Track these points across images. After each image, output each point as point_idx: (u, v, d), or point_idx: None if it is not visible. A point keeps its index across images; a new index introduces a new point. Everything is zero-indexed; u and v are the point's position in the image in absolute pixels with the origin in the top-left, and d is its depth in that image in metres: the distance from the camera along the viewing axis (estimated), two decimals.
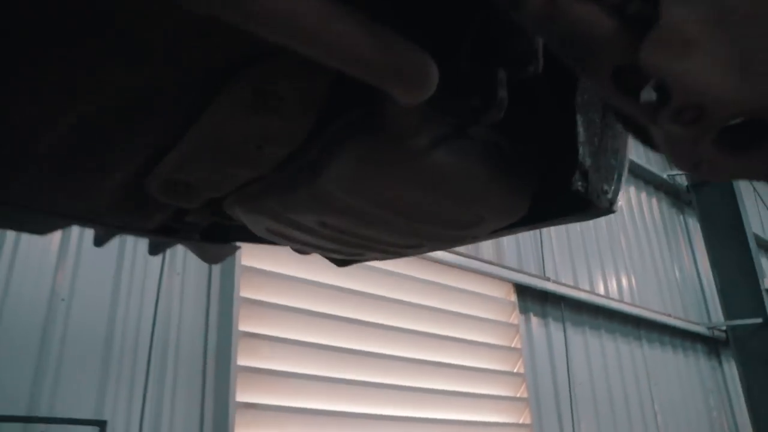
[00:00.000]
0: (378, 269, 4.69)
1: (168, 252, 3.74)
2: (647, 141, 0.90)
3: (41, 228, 1.52)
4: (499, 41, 1.09)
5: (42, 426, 3.01)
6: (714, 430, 7.34)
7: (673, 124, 0.73)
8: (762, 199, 9.42)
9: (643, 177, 8.06)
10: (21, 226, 1.72)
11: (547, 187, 1.33)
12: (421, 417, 4.61)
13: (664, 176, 8.33)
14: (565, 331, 6.04)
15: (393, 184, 1.15)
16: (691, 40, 0.63)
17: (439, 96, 1.12)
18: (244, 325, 3.87)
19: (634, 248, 7.46)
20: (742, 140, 0.73)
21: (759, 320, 7.08)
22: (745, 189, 8.41)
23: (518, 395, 5.45)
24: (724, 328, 7.63)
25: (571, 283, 6.31)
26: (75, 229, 3.40)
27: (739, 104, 0.66)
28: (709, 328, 7.74)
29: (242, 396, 3.70)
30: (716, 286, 7.58)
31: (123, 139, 1.09)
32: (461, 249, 5.35)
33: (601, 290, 6.69)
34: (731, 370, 7.72)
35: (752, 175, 0.80)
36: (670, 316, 7.29)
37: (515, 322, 5.68)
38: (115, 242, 3.55)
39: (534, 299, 5.93)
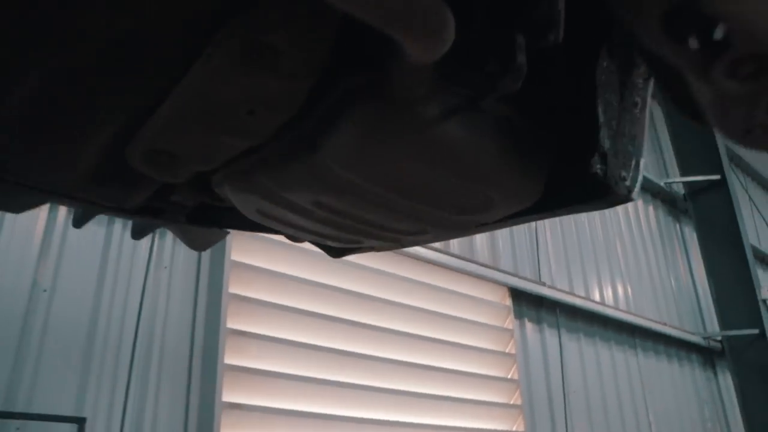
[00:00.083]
0: (371, 269, 4.59)
1: (155, 245, 3.62)
2: (686, 106, 0.80)
3: (13, 204, 1.41)
4: (518, 4, 0.99)
5: (18, 422, 2.88)
6: None
7: (728, 79, 0.63)
8: (759, 211, 9.38)
9: None
10: None
11: (561, 172, 1.24)
12: (413, 422, 4.51)
13: (661, 184, 8.27)
14: (560, 338, 5.95)
15: (398, 159, 1.05)
16: None
17: (451, 63, 1.02)
18: (233, 323, 3.75)
19: (630, 255, 7.39)
20: None
21: (755, 331, 7.01)
22: (742, 200, 8.37)
23: (512, 402, 5.35)
24: (719, 338, 7.55)
25: (567, 289, 6.22)
26: (60, 217, 3.29)
27: None
28: (704, 338, 7.67)
29: (228, 396, 3.59)
30: (712, 296, 7.50)
31: (100, 98, 0.98)
32: (456, 250, 5.26)
33: (597, 297, 6.61)
34: (726, 380, 7.65)
35: None
36: (665, 324, 7.21)
37: (510, 326, 5.58)
38: (101, 233, 3.44)
39: (529, 304, 5.84)
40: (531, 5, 0.99)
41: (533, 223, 6.21)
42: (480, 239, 5.57)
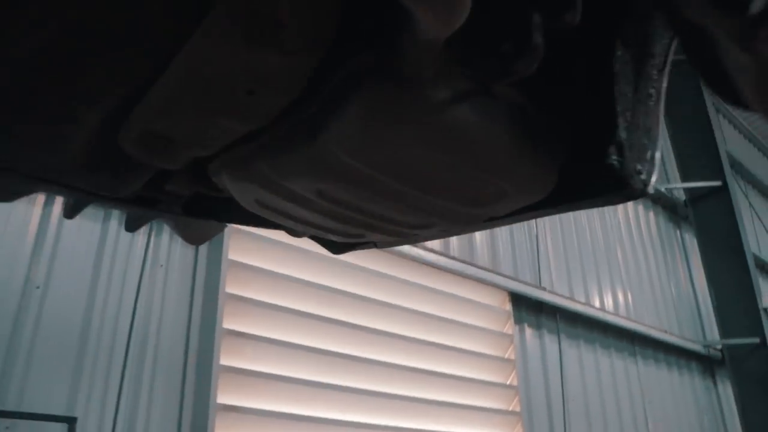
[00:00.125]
0: (370, 270, 4.54)
1: (151, 242, 3.56)
2: (721, 85, 0.75)
3: (2, 192, 1.35)
4: None
5: (8, 421, 2.81)
6: None
7: None
8: (760, 219, 9.34)
9: None
10: None
11: (573, 165, 1.19)
12: (410, 427, 4.44)
13: (662, 189, 8.22)
14: (559, 344, 5.89)
15: (405, 145, 0.99)
16: None
17: (462, 46, 0.97)
18: (229, 323, 3.69)
19: (630, 261, 7.34)
20: None
21: (756, 340, 6.95)
22: (742, 207, 8.32)
23: (510, 408, 5.28)
24: (719, 346, 7.49)
25: (567, 294, 6.17)
26: (55, 212, 3.23)
27: None
28: (704, 347, 7.60)
29: (223, 397, 3.52)
30: (712, 304, 7.45)
31: (88, 76, 0.92)
32: (456, 253, 5.20)
33: (597, 303, 6.55)
34: (726, 390, 7.58)
35: None
36: (665, 332, 7.15)
37: (509, 332, 5.52)
38: (96, 229, 3.38)
39: (529, 309, 5.78)
40: None
41: (534, 228, 6.16)
42: (480, 242, 5.51)
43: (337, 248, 1.62)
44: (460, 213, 1.16)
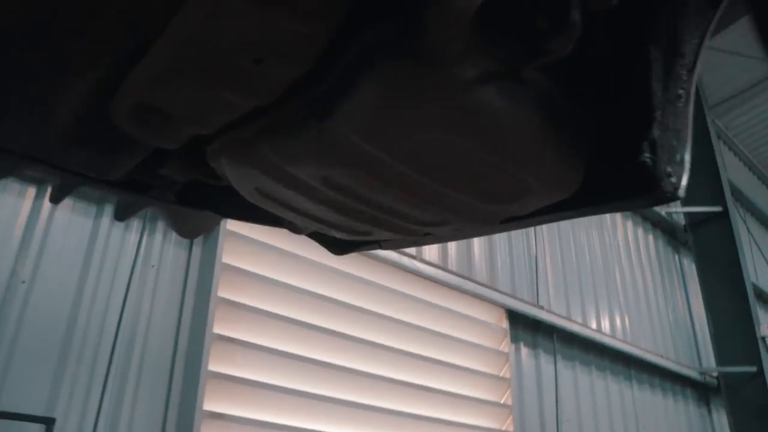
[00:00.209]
0: (365, 280, 4.44)
1: (144, 241, 3.46)
2: None
3: None
4: None
5: None
6: None
7: None
8: (759, 247, 9.28)
9: (640, 212, 7.88)
10: None
11: (600, 165, 1.11)
12: None
13: (662, 213, 8.16)
14: (555, 364, 5.79)
15: (424, 128, 0.90)
16: None
17: (493, 23, 0.88)
18: (219, 328, 3.58)
19: (628, 284, 7.25)
20: None
21: (753, 369, 6.85)
22: (741, 234, 8.26)
23: (504, 428, 5.16)
24: (715, 374, 7.39)
25: (564, 314, 6.07)
26: (45, 205, 3.13)
27: None
28: (700, 373, 7.50)
29: (210, 404, 3.41)
30: (710, 330, 7.35)
31: (74, 40, 0.83)
32: (455, 267, 5.11)
33: (594, 324, 6.46)
34: (720, 418, 7.47)
35: None
36: (662, 357, 7.05)
37: (505, 350, 5.41)
38: (87, 225, 3.28)
39: (526, 328, 5.68)
40: None
41: (533, 246, 6.07)
42: (479, 257, 5.42)
43: (339, 248, 1.53)
44: (477, 210, 1.08)
